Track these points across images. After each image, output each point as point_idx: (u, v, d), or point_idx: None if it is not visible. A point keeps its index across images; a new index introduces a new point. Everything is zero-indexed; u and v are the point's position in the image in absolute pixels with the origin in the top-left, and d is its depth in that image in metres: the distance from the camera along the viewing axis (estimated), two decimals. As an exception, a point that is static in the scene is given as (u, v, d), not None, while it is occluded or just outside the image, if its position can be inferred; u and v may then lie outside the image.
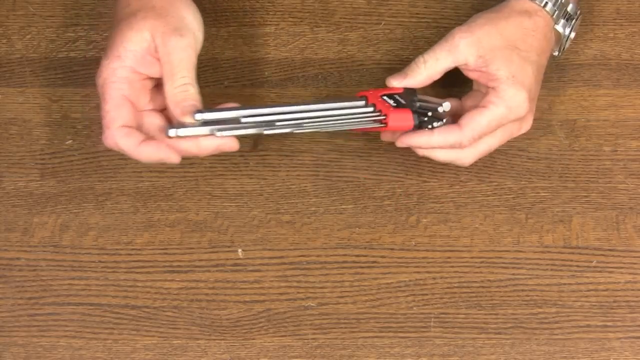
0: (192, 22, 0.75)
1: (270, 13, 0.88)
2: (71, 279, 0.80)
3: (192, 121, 0.72)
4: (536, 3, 0.78)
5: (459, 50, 0.76)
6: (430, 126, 0.76)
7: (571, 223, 0.82)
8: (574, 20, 0.81)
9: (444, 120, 0.76)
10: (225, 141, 0.73)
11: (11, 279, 0.80)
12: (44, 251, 0.81)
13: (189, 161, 0.83)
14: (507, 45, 0.77)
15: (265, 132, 0.73)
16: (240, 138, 0.73)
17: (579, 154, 0.84)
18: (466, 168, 0.83)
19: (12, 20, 0.88)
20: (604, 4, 0.88)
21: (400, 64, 0.86)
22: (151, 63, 0.73)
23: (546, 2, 0.79)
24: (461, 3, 0.88)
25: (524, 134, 0.84)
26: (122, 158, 0.84)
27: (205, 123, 0.72)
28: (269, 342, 0.79)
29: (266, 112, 0.73)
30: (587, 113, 0.85)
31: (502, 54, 0.76)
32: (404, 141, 0.77)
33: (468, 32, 0.77)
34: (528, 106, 0.76)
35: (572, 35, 0.82)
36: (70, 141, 0.84)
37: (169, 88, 0.73)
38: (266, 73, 0.85)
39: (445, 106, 0.77)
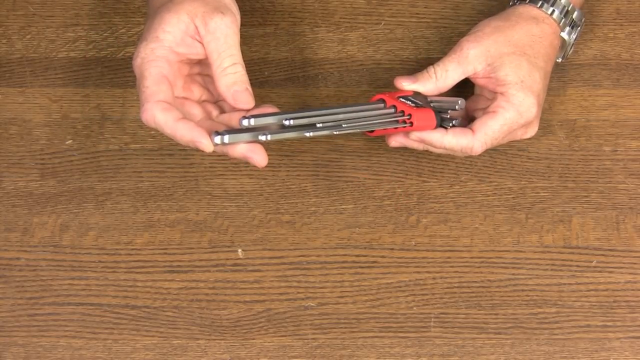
0: (230, 4, 0.74)
1: (270, 13, 0.88)
2: (71, 279, 0.80)
3: (245, 108, 0.72)
4: (543, 10, 0.79)
5: (468, 61, 0.77)
6: (450, 124, 0.77)
7: (571, 223, 0.82)
8: (579, 28, 0.81)
9: (454, 122, 0.77)
10: (256, 153, 0.71)
11: (11, 279, 0.80)
12: (44, 251, 0.81)
13: (189, 161, 0.83)
14: (515, 51, 0.77)
15: (307, 135, 0.72)
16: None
17: (579, 154, 0.84)
18: (466, 168, 0.83)
19: (12, 20, 0.88)
20: (604, 4, 0.88)
21: (400, 64, 0.86)
22: (190, 44, 0.72)
23: (553, 10, 0.79)
24: (461, 3, 0.88)
25: (524, 134, 0.84)
26: (122, 158, 0.84)
27: (249, 129, 0.71)
28: (269, 342, 0.79)
29: (308, 114, 0.73)
30: (587, 113, 0.85)
31: (510, 60, 0.77)
32: (417, 136, 0.77)
33: (476, 42, 0.77)
34: (537, 111, 0.77)
35: (574, 38, 0.82)
36: (70, 141, 0.84)
37: (217, 68, 0.72)
38: (266, 73, 0.85)
39: (461, 104, 0.78)
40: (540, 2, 0.79)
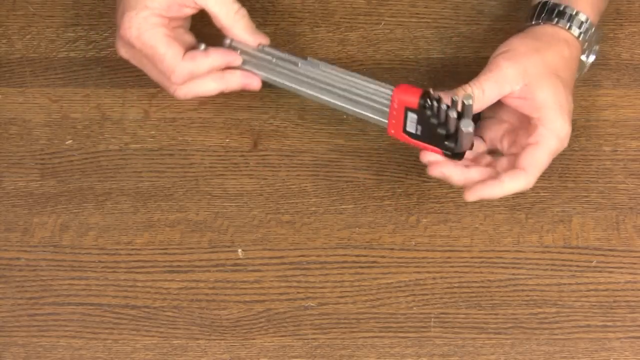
0: None
1: (270, 13, 0.88)
2: (71, 279, 0.80)
3: (265, 43, 0.80)
4: (572, 32, 0.78)
5: (506, 80, 0.74)
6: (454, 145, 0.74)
7: (571, 223, 0.82)
8: (595, 47, 0.81)
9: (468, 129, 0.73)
10: (251, 78, 0.79)
11: (11, 279, 0.80)
12: (44, 251, 0.81)
13: (189, 161, 0.83)
14: (551, 74, 0.75)
15: (291, 85, 0.78)
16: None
17: (579, 154, 0.84)
18: (466, 168, 0.83)
19: (12, 20, 0.88)
20: (604, 4, 0.88)
21: (400, 64, 0.86)
22: (178, 9, 0.76)
23: (580, 33, 0.78)
24: (461, 3, 0.88)
25: (524, 134, 0.84)
26: (122, 158, 0.84)
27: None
28: (269, 342, 0.79)
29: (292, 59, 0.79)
30: (587, 113, 0.85)
31: (548, 82, 0.75)
32: (475, 195, 0.74)
33: (513, 61, 0.75)
34: (570, 136, 0.76)
35: (592, 61, 0.82)
36: (70, 141, 0.84)
37: (224, 19, 0.78)
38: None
39: (467, 99, 0.72)
40: (569, 24, 0.78)
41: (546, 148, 0.75)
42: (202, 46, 0.79)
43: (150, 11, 0.75)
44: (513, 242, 0.81)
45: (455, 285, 0.80)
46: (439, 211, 0.82)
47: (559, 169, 0.83)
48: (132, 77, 0.86)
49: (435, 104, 0.73)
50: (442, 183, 0.83)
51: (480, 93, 0.74)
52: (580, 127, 0.85)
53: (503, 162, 0.77)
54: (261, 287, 0.80)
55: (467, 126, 0.72)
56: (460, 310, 0.79)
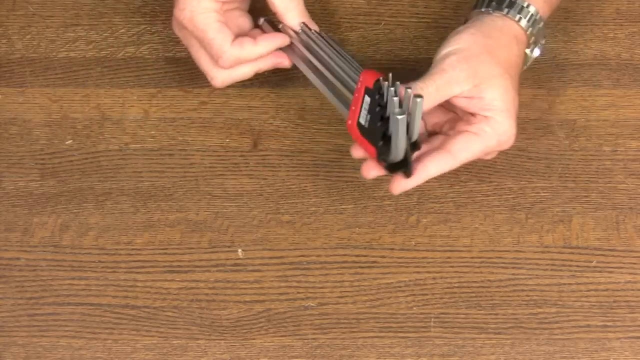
0: None
1: (271, 13, 0.88)
2: (71, 279, 0.80)
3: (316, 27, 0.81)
4: (521, 26, 0.76)
5: (458, 82, 0.73)
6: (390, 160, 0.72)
7: (571, 223, 0.82)
8: (541, 42, 0.80)
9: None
10: (282, 57, 0.80)
11: (11, 279, 0.80)
12: (44, 251, 0.81)
13: (189, 161, 0.83)
14: (503, 74, 0.74)
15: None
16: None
17: (579, 154, 0.84)
18: (466, 168, 0.83)
19: (12, 20, 0.88)
20: (604, 4, 0.88)
21: (400, 64, 0.86)
22: None
23: (529, 27, 0.77)
24: (461, 3, 0.88)
25: (523, 134, 0.84)
26: (122, 158, 0.84)
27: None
28: (269, 342, 0.79)
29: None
30: (587, 113, 0.85)
31: (498, 83, 0.74)
32: (400, 187, 0.74)
33: (465, 62, 0.74)
34: (514, 139, 0.76)
35: (537, 55, 0.81)
36: (70, 141, 0.84)
37: (282, 9, 0.79)
38: (266, 73, 0.85)
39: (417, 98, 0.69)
40: (518, 16, 0.76)
41: (482, 143, 0.74)
42: (262, 20, 0.82)
43: None
44: (513, 242, 0.81)
45: (455, 285, 0.80)
46: (439, 211, 0.82)
47: (559, 169, 0.83)
48: (132, 77, 0.86)
49: (387, 91, 0.71)
50: (442, 183, 0.83)
51: (433, 90, 0.73)
52: (580, 127, 0.85)
53: (436, 141, 0.77)
54: (261, 287, 0.80)
55: (397, 116, 0.69)
56: (460, 310, 0.79)
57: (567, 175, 0.83)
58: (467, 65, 0.74)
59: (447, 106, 0.78)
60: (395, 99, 0.69)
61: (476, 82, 0.74)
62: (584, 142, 0.84)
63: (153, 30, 0.88)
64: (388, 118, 0.71)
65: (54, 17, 0.88)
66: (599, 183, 0.83)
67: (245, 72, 0.80)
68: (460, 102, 0.75)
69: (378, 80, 0.72)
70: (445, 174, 0.82)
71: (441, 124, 0.78)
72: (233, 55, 0.77)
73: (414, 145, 0.73)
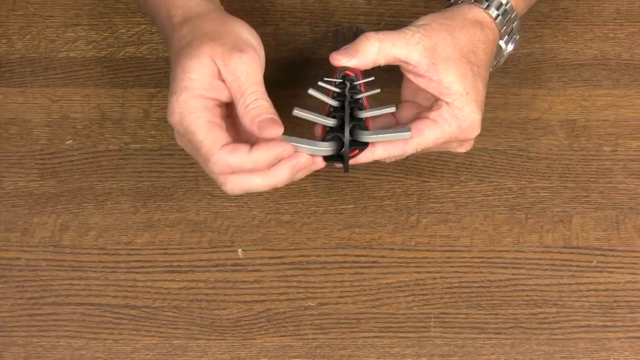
0: (249, 38, 0.71)
1: (270, 13, 0.88)
2: (71, 279, 0.80)
3: (273, 136, 0.68)
4: (489, 13, 0.75)
5: (416, 49, 0.71)
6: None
7: (571, 223, 0.82)
8: (515, 36, 0.78)
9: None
10: (314, 163, 0.71)
11: (11, 279, 0.80)
12: (44, 251, 0.81)
13: (189, 161, 0.83)
14: (460, 58, 0.72)
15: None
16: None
17: (579, 154, 0.84)
18: (466, 168, 0.83)
19: (12, 20, 0.88)
20: (604, 4, 0.88)
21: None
22: (219, 87, 0.69)
23: (497, 15, 0.75)
24: (461, 3, 0.88)
25: (523, 134, 0.84)
26: (122, 158, 0.84)
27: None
28: (269, 342, 0.79)
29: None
30: (587, 113, 0.85)
31: (456, 67, 0.72)
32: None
33: (426, 36, 0.72)
34: (479, 129, 0.73)
35: (510, 50, 0.79)
36: (70, 141, 0.84)
37: (240, 107, 0.69)
38: (266, 73, 0.85)
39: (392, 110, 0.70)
40: (486, 4, 0.75)
41: (440, 130, 0.72)
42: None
43: (191, 93, 0.69)
44: (513, 242, 0.81)
45: (455, 285, 0.80)
46: (439, 211, 0.82)
47: (559, 169, 0.83)
48: (132, 77, 0.86)
49: (350, 83, 0.71)
50: (442, 183, 0.83)
51: (390, 44, 0.71)
52: (580, 127, 0.85)
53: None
54: (261, 287, 0.80)
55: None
56: (460, 310, 0.79)
57: (567, 175, 0.83)
58: (427, 39, 0.72)
59: (415, 99, 0.76)
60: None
61: (433, 60, 0.72)
62: (584, 142, 0.84)
63: (153, 30, 0.88)
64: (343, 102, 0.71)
65: (54, 17, 0.88)
66: (599, 183, 0.83)
67: (256, 183, 0.69)
68: (420, 82, 0.73)
69: (349, 72, 0.72)
70: (445, 174, 0.83)
71: (409, 117, 0.76)
72: (222, 159, 0.68)
73: (363, 144, 0.71)
